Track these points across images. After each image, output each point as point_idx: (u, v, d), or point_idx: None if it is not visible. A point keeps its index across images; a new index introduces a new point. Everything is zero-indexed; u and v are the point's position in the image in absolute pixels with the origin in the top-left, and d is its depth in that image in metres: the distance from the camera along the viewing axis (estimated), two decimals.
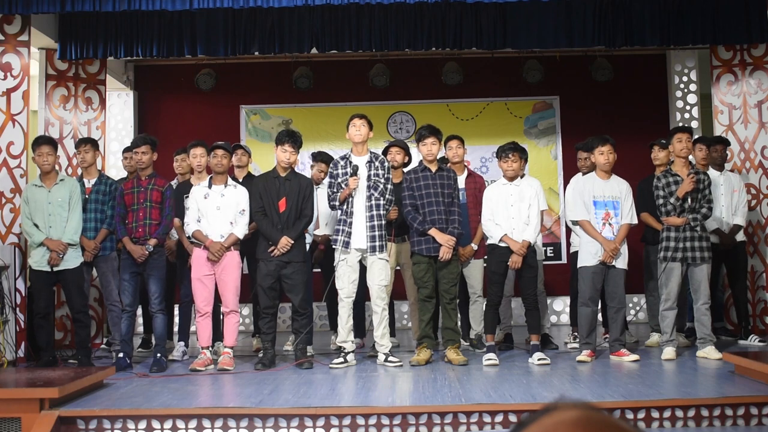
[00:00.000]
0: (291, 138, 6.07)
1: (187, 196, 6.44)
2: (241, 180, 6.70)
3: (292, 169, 6.18)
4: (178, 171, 7.14)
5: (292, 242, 5.91)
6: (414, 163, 7.07)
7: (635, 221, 6.15)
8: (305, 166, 8.28)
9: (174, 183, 6.88)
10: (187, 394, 4.96)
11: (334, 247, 6.10)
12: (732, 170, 7.28)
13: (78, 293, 6.18)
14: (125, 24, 7.13)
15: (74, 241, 6.12)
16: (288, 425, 4.37)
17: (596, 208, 6.02)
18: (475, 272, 6.56)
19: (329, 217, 6.80)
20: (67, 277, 6.12)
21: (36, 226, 6.07)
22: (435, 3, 6.66)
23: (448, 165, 6.76)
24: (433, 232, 5.92)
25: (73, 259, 6.13)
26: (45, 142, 6.21)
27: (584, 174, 6.71)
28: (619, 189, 6.06)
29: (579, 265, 6.10)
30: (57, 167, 6.38)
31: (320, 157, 7.21)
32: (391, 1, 6.50)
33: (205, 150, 6.58)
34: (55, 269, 6.05)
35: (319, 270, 7.06)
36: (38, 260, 6.06)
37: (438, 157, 6.92)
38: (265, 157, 8.79)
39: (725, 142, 7.09)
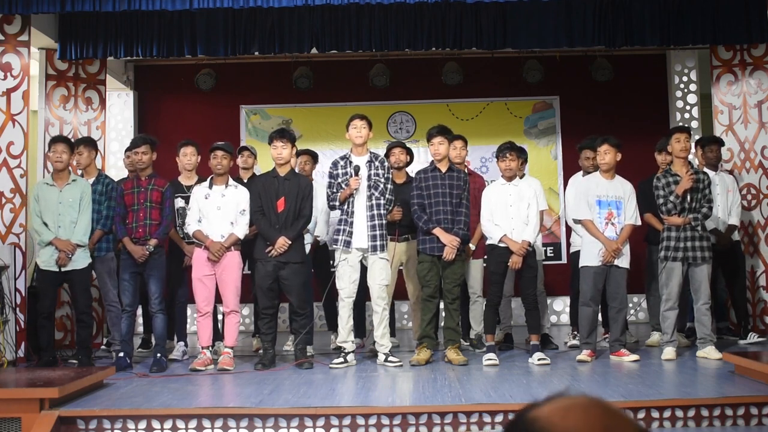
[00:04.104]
0: (279, 133, 6.09)
1: (177, 196, 6.46)
2: (246, 181, 6.70)
3: (292, 169, 6.18)
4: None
5: (290, 242, 5.90)
6: (417, 163, 7.09)
7: (639, 222, 6.16)
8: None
9: None
10: (187, 394, 4.96)
11: (335, 247, 6.09)
12: (731, 171, 7.29)
13: (84, 294, 6.19)
14: (125, 24, 7.13)
15: (83, 242, 6.12)
16: (288, 425, 4.37)
17: (599, 207, 6.02)
18: (474, 272, 6.56)
19: (321, 216, 6.79)
20: (75, 277, 6.12)
21: (45, 225, 6.07)
22: (435, 3, 6.66)
23: None
24: (437, 231, 5.92)
25: (81, 260, 6.13)
26: (61, 140, 6.26)
27: (586, 174, 6.71)
28: (623, 189, 6.06)
29: (581, 265, 6.10)
30: (71, 168, 6.40)
31: (301, 152, 7.25)
32: (391, 1, 6.50)
33: (195, 149, 6.62)
34: (62, 269, 6.05)
35: (312, 270, 7.05)
36: (46, 260, 6.06)
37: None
38: (264, 158, 8.78)
39: (719, 142, 7.09)
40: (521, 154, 6.40)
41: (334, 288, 6.08)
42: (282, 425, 4.38)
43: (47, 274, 6.08)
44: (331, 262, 6.81)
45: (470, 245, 6.45)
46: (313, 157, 7.32)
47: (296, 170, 6.95)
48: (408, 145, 7.23)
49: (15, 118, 6.67)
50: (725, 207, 6.84)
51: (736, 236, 6.96)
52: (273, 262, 5.93)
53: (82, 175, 6.57)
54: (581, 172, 6.96)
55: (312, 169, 7.25)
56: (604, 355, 6.12)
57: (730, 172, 7.26)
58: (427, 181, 6.04)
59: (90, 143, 6.67)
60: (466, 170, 6.75)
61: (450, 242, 5.89)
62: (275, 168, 6.13)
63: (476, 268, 6.57)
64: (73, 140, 7.00)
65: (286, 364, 6.06)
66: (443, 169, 6.07)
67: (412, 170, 6.72)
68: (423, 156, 8.50)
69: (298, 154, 7.21)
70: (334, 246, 6.10)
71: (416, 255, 6.21)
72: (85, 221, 6.14)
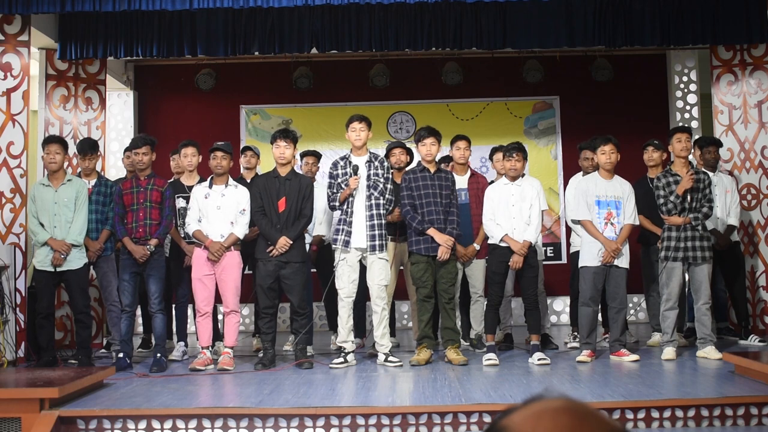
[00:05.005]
0: (282, 133, 6.10)
1: (179, 196, 6.47)
2: (249, 181, 6.70)
3: (293, 169, 6.19)
4: (175, 171, 7.15)
5: (291, 242, 5.91)
6: (414, 164, 7.10)
7: (637, 222, 6.16)
8: (298, 168, 8.30)
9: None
10: (187, 394, 4.96)
11: (334, 247, 6.10)
12: (730, 171, 7.29)
13: (81, 294, 6.17)
14: (125, 24, 7.13)
15: (78, 241, 6.11)
16: (288, 425, 4.37)
17: (599, 207, 6.02)
18: (477, 272, 6.56)
19: (323, 216, 6.80)
20: (70, 277, 6.11)
21: (41, 225, 6.06)
22: (435, 3, 6.66)
23: (452, 164, 6.78)
24: (431, 231, 5.92)
25: (76, 260, 6.12)
26: (55, 141, 6.22)
27: (585, 174, 6.71)
28: (622, 189, 6.06)
29: (580, 265, 6.10)
30: (70, 168, 6.39)
31: (307, 152, 7.29)
32: (391, 1, 6.50)
33: (196, 150, 6.63)
34: (58, 269, 6.04)
35: (314, 270, 7.05)
36: (42, 260, 6.05)
37: (443, 156, 6.91)
38: (264, 158, 8.78)
39: (717, 144, 7.10)
40: (524, 154, 6.40)
41: (334, 287, 6.08)
42: (282, 425, 4.38)
43: (43, 274, 6.08)
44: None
45: (475, 245, 6.46)
46: (318, 158, 7.35)
47: (302, 171, 6.99)
48: (408, 145, 7.23)
49: (15, 118, 6.66)
50: (724, 207, 6.85)
51: (735, 237, 6.97)
52: (274, 262, 5.93)
53: (79, 176, 6.57)
54: (582, 172, 6.96)
55: (317, 170, 7.27)
56: (604, 355, 6.12)
57: (730, 172, 7.27)
58: (416, 182, 6.05)
59: (96, 147, 6.67)
60: (469, 170, 6.76)
61: (445, 242, 5.90)
62: (276, 168, 6.13)
63: (479, 268, 6.57)
64: (74, 141, 7.01)
65: (286, 364, 6.05)
66: (432, 170, 6.08)
67: None
68: None
69: (303, 155, 7.25)
70: (334, 246, 6.10)
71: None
72: (80, 221, 6.13)
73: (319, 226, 6.85)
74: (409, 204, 6.03)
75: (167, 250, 6.66)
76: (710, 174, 6.77)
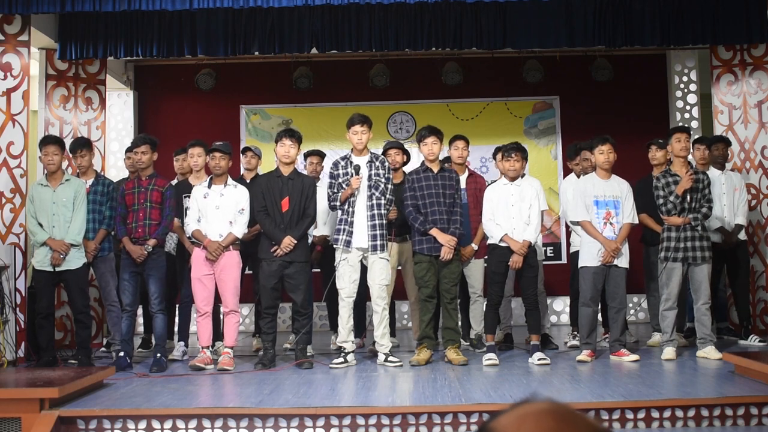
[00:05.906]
0: (288, 132, 6.10)
1: (187, 196, 6.47)
2: (249, 182, 6.70)
3: (295, 168, 6.19)
4: (179, 171, 7.15)
5: (296, 242, 5.91)
6: (413, 163, 7.12)
7: (636, 221, 6.16)
8: (300, 168, 8.29)
9: (173, 182, 6.89)
10: (187, 394, 4.96)
11: (335, 246, 6.10)
12: (732, 169, 7.29)
13: (80, 294, 6.16)
14: (125, 24, 7.13)
15: (77, 241, 6.11)
16: (288, 425, 4.37)
17: (597, 207, 6.02)
18: (475, 272, 6.56)
19: (326, 216, 6.80)
20: (69, 277, 6.11)
21: (40, 225, 6.06)
22: (435, 3, 6.66)
23: (450, 164, 6.77)
24: (434, 232, 5.92)
25: (75, 260, 6.11)
26: (52, 141, 6.19)
27: (579, 176, 6.72)
28: (620, 189, 6.06)
29: (580, 265, 6.10)
30: (70, 168, 6.38)
31: (311, 152, 7.29)
32: (391, 1, 6.50)
33: (204, 150, 6.62)
34: (57, 269, 6.04)
35: (318, 270, 7.06)
36: (41, 260, 6.05)
37: (444, 157, 6.91)
38: (265, 158, 8.76)
39: (726, 141, 7.09)
40: (523, 154, 6.40)
41: (334, 287, 6.08)
42: (282, 425, 4.38)
43: (42, 274, 6.07)
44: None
45: (473, 245, 6.46)
46: (322, 158, 7.33)
47: (306, 171, 6.99)
48: (407, 145, 7.24)
49: (15, 118, 6.66)
50: (731, 206, 6.83)
51: (742, 235, 6.95)
52: (278, 262, 5.93)
53: (78, 176, 6.57)
54: (572, 174, 6.98)
55: (321, 170, 7.26)
56: (604, 355, 6.12)
57: (732, 169, 7.25)
58: (420, 182, 6.05)
59: (89, 145, 6.66)
60: (467, 170, 6.76)
61: (447, 242, 5.90)
62: (278, 168, 6.14)
63: (477, 268, 6.57)
64: (72, 141, 7.00)
65: (286, 364, 6.06)
66: (435, 170, 6.08)
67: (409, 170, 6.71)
68: None
69: (307, 155, 7.25)
70: (335, 245, 6.10)
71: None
72: (78, 221, 6.12)
73: (323, 226, 6.84)
74: (412, 204, 6.03)
75: (174, 250, 6.67)
76: (718, 172, 6.78)
